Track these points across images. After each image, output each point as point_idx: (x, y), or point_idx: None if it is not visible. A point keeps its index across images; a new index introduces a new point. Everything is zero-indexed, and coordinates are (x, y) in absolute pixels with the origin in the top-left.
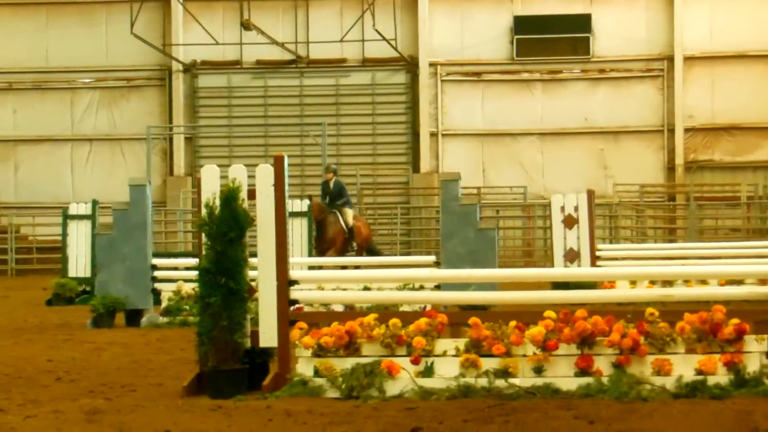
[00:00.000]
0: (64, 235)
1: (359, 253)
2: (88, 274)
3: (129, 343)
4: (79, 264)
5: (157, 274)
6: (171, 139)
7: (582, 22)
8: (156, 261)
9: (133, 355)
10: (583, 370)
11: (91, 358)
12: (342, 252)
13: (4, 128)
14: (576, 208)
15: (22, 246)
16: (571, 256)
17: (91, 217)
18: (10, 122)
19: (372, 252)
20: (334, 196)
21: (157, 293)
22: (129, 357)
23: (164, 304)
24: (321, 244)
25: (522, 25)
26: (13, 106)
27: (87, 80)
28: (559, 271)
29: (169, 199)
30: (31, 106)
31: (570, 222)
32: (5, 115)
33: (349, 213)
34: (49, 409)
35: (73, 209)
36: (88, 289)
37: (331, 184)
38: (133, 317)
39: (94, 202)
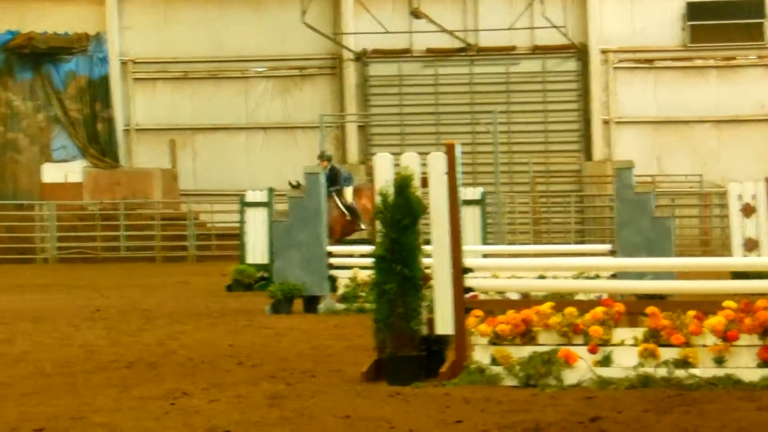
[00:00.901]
0: (242, 222)
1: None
2: (265, 261)
3: (307, 329)
4: (256, 250)
5: (333, 261)
6: (343, 128)
7: (755, 8)
8: (331, 248)
9: (312, 341)
10: (765, 362)
11: (270, 344)
12: (345, 236)
13: (182, 117)
14: (754, 197)
15: (201, 233)
16: (750, 246)
17: (268, 205)
18: (187, 111)
19: None
20: (332, 181)
21: (333, 280)
22: (308, 343)
23: (341, 290)
24: None
25: (695, 11)
26: (190, 95)
27: (260, 69)
28: (739, 260)
29: None
30: (207, 95)
31: (748, 211)
32: (183, 104)
33: (347, 192)
34: (232, 393)
35: (250, 196)
36: (266, 275)
37: (326, 171)
38: (311, 303)
39: (270, 190)
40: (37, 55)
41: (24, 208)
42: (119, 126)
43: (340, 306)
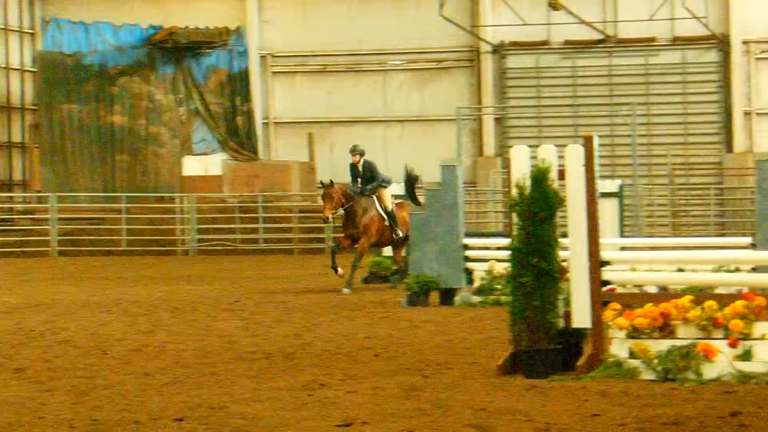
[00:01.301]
0: None
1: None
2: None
3: (443, 322)
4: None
5: (469, 253)
6: (480, 120)
7: None
8: (467, 241)
9: (448, 334)
10: None
11: (407, 336)
12: (381, 241)
13: (320, 110)
14: None
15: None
16: None
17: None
18: (325, 104)
19: None
20: (367, 179)
21: (468, 273)
22: (443, 335)
23: (476, 283)
24: (348, 230)
25: None
26: (329, 88)
27: (398, 62)
28: None
29: (480, 179)
30: (345, 89)
31: None
32: (321, 97)
33: (387, 195)
34: (368, 385)
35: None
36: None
37: (360, 167)
38: (447, 296)
39: (407, 183)
40: (178, 49)
41: (165, 201)
42: (258, 119)
43: (476, 298)
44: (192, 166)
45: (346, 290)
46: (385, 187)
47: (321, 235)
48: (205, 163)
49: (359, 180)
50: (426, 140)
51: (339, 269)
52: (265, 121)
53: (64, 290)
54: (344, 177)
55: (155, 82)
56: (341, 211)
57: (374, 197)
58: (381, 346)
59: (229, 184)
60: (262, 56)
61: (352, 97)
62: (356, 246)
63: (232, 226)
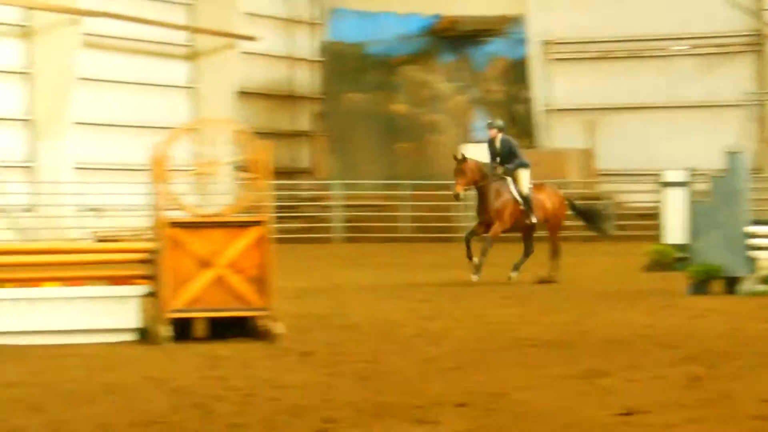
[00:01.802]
0: (661, 202)
1: (553, 234)
2: (684, 241)
3: (727, 311)
4: (675, 230)
5: (754, 241)
6: (765, 106)
7: None
8: (752, 228)
9: (732, 323)
10: None
11: (689, 325)
12: (513, 227)
13: (600, 97)
14: None
15: (620, 213)
16: None
17: (686, 185)
18: (606, 91)
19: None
20: (505, 157)
21: (753, 261)
22: (728, 324)
23: (762, 272)
24: (483, 215)
25: None
26: (609, 75)
27: (681, 47)
28: None
29: (766, 165)
30: (626, 75)
31: None
32: (601, 84)
33: (525, 177)
34: (650, 374)
35: (669, 176)
36: (684, 255)
37: (498, 143)
38: (731, 285)
39: (690, 170)
40: (459, 38)
41: (444, 188)
42: (538, 106)
43: (762, 287)
44: (471, 153)
45: (474, 277)
46: (525, 168)
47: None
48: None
49: (497, 159)
50: (710, 126)
51: (474, 258)
52: (545, 108)
53: (347, 276)
54: (624, 164)
55: (436, 70)
56: (473, 192)
57: (509, 179)
58: (662, 335)
59: None
60: (541, 43)
61: (633, 83)
62: (487, 234)
63: None
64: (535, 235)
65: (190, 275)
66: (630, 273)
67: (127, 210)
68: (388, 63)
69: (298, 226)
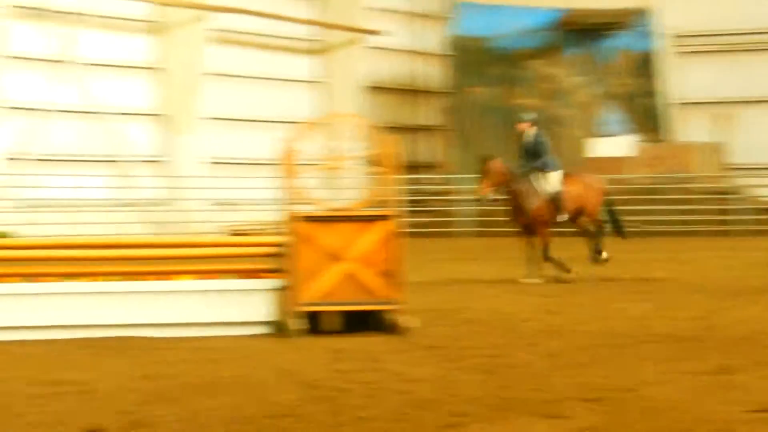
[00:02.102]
0: None
1: (596, 226)
2: None
3: None
4: None
5: None
6: None
7: None
8: None
9: None
10: None
11: None
12: (552, 224)
13: (728, 90)
14: None
15: (749, 207)
16: None
17: None
18: (734, 84)
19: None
20: (531, 153)
21: None
22: None
23: None
24: (518, 218)
25: None
26: (737, 67)
27: None
28: None
29: None
30: (755, 68)
31: None
32: (729, 76)
33: (553, 178)
34: None
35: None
36: None
37: (528, 137)
38: None
39: None
40: (585, 31)
41: None
42: (665, 99)
43: None
44: (597, 147)
45: (526, 281)
46: (551, 171)
47: (729, 217)
48: (611, 144)
49: (525, 155)
50: None
51: (568, 269)
52: (672, 101)
53: (472, 270)
54: (755, 158)
55: (562, 64)
56: (501, 194)
57: (536, 176)
58: None
59: (633, 165)
60: (669, 36)
61: (763, 76)
62: (532, 238)
63: (638, 207)
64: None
65: (320, 269)
66: (757, 268)
67: (257, 204)
68: (513, 57)
69: (425, 220)
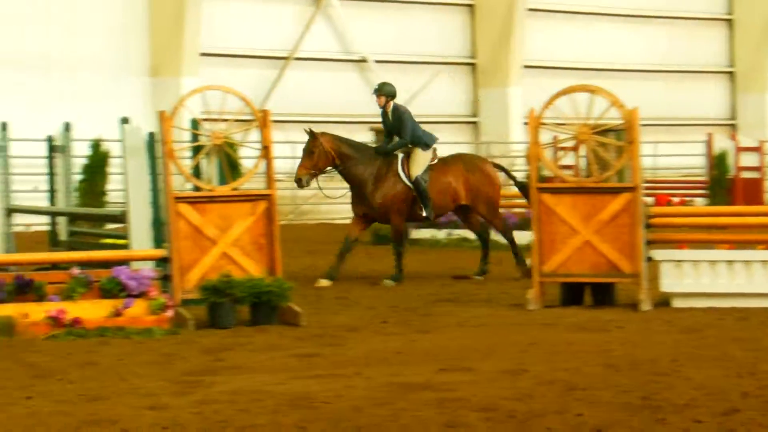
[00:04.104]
0: None
1: (487, 218)
2: None
3: None
4: None
5: None
6: None
7: None
8: None
9: None
10: None
11: None
12: (411, 217)
13: None
14: None
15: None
16: None
17: None
18: None
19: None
20: (395, 131)
21: None
22: None
23: None
24: (358, 207)
25: None
26: None
27: None
28: None
29: None
30: None
31: None
32: None
33: (418, 158)
34: None
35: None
36: None
37: (390, 114)
38: None
39: None
40: None
41: None
42: None
43: None
44: None
45: (388, 282)
46: (423, 148)
47: None
48: None
49: (390, 134)
50: None
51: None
52: None
53: None
54: None
55: None
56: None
57: (398, 159)
58: None
59: None
60: None
61: None
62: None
63: None
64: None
65: None
66: None
67: None
68: None
69: None
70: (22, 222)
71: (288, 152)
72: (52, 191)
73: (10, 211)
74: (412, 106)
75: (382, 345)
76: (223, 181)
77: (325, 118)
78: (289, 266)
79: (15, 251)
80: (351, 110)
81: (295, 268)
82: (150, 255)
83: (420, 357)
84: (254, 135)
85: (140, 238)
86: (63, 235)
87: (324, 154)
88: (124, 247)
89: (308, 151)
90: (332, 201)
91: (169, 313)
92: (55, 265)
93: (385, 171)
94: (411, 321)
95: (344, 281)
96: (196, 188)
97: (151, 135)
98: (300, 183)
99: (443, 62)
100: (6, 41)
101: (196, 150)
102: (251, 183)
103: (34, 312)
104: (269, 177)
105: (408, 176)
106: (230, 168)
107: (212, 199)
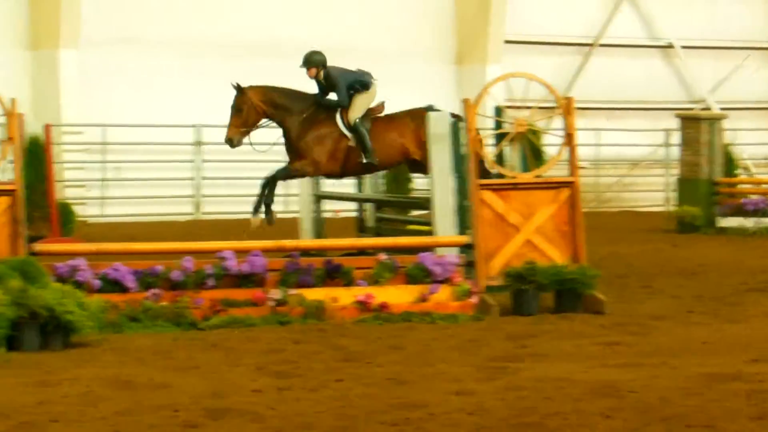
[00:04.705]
0: None
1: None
2: None
3: None
4: None
5: None
6: None
7: None
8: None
9: None
10: None
11: None
12: (346, 169)
13: None
14: None
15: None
16: None
17: None
18: None
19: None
20: (322, 96)
21: None
22: None
23: None
24: (291, 159)
25: None
26: None
27: None
28: None
29: None
30: None
31: None
32: None
33: (358, 103)
34: None
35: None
36: None
37: (323, 82)
38: None
39: None
40: None
41: None
42: None
43: None
44: None
45: (252, 218)
46: (361, 91)
47: None
48: None
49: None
50: None
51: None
52: None
53: None
54: None
55: None
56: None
57: (336, 112)
58: None
59: None
60: None
61: None
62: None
63: None
64: None
65: None
66: None
67: None
68: None
69: None
70: (330, 208)
71: (591, 139)
72: (359, 178)
73: (320, 197)
74: (719, 93)
75: (688, 334)
76: (526, 168)
77: (628, 105)
78: (592, 254)
79: (324, 237)
80: (654, 97)
81: (596, 256)
82: (455, 241)
83: (728, 347)
84: (557, 122)
85: (444, 225)
86: (370, 222)
87: (253, 109)
88: (429, 233)
89: (236, 108)
90: (636, 189)
91: (474, 299)
92: (362, 251)
93: (321, 117)
94: (718, 311)
95: (649, 269)
96: (500, 175)
97: (455, 122)
98: (231, 143)
99: (751, 47)
100: (318, 32)
101: (500, 137)
102: (554, 170)
103: (343, 296)
104: (572, 164)
105: (346, 124)
106: (533, 155)
107: (515, 187)
